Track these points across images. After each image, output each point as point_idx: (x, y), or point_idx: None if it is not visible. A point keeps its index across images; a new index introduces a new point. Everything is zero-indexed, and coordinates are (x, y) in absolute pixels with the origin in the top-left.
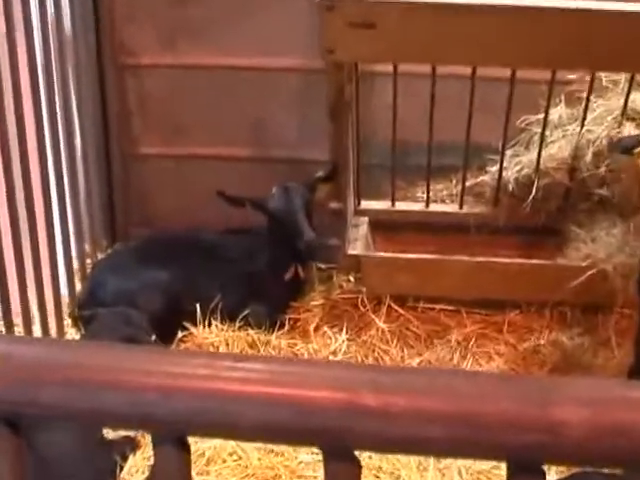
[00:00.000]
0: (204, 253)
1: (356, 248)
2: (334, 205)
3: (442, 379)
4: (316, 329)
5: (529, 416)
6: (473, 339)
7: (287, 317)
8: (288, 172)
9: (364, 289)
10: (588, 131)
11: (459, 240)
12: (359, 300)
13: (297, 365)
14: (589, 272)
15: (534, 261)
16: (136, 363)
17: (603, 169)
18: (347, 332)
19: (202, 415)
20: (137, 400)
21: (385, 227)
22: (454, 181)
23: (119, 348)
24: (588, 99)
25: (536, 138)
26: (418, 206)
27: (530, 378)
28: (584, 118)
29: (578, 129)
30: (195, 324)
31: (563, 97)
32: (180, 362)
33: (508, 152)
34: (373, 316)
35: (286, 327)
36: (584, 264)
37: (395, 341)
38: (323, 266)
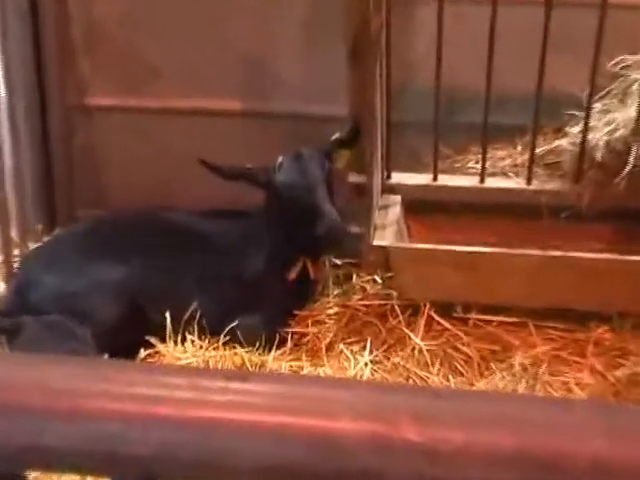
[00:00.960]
0: (177, 243)
1: (384, 238)
2: (354, 179)
3: (513, 407)
4: (329, 347)
5: (635, 459)
6: (545, 364)
7: (290, 331)
8: (294, 133)
9: (395, 293)
10: None
11: (526, 228)
12: (388, 308)
13: (313, 385)
14: None
15: (630, 257)
16: (93, 382)
17: None
18: (371, 352)
19: (184, 453)
20: (95, 432)
21: (424, 209)
22: (520, 147)
23: (67, 362)
24: None
25: (636, 87)
26: (470, 181)
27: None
28: None
29: None
30: (163, 340)
31: None
32: (155, 381)
33: (596, 106)
34: (407, 330)
35: (288, 344)
36: None
37: (437, 365)
38: (339, 262)
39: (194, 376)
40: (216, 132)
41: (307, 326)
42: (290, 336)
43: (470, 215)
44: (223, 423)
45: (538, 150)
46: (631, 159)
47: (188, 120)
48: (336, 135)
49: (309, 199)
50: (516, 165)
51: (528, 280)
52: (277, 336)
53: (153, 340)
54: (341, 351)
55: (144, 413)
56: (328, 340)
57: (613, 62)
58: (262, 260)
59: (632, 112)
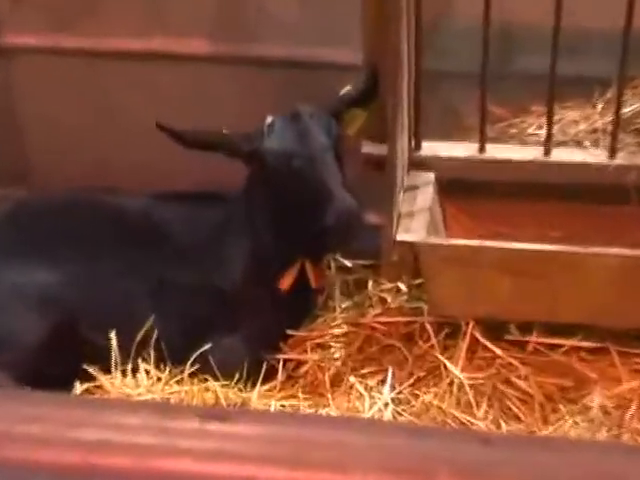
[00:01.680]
0: (124, 238)
1: (412, 230)
2: (371, 149)
3: (589, 459)
4: (336, 381)
5: None
6: (634, 404)
7: (282, 358)
8: (289, 86)
9: (426, 307)
10: None
11: (607, 218)
12: (416, 328)
13: (317, 427)
14: None
15: None
16: (16, 421)
17: None
18: (394, 387)
19: None
20: None
21: (467, 192)
22: (599, 106)
23: None
24: None
25: None
26: (530, 153)
27: None
28: None
29: None
30: (107, 369)
31: None
32: (104, 421)
33: None
34: (442, 358)
35: (280, 376)
36: None
37: (484, 406)
38: (349, 264)
39: (157, 414)
40: (181, 84)
41: (305, 352)
42: (282, 365)
43: (529, 200)
44: (198, 478)
45: (625, 110)
46: None
47: (142, 67)
48: (347, 89)
49: (310, 176)
50: (594, 131)
51: (610, 290)
52: (264, 365)
53: (93, 370)
54: (352, 386)
55: (88, 465)
56: (334, 371)
57: None
58: (243, 262)
59: None
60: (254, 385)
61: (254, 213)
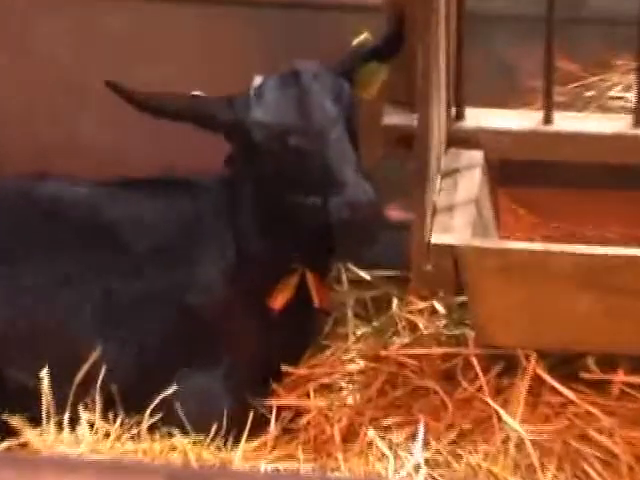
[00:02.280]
0: (61, 239)
1: (452, 230)
2: (395, 120)
3: None
4: (349, 435)
5: None
6: None
7: (275, 404)
8: (285, 32)
9: (472, 335)
10: None
11: None
12: (459, 364)
13: None
14: None
15: None
16: None
17: None
18: (428, 443)
19: None
20: None
21: (527, 176)
22: None
23: None
24: None
25: None
26: (614, 123)
27: None
28: None
29: None
30: (36, 420)
31: None
32: None
33: None
34: (495, 405)
35: (272, 429)
36: None
37: (552, 470)
38: (367, 275)
39: (108, 475)
40: (144, 28)
41: (308, 395)
42: (276, 414)
43: (613, 188)
44: None
45: None
46: None
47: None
48: (362, 38)
49: (312, 158)
50: None
51: None
52: (251, 414)
53: (16, 421)
54: (371, 442)
55: None
56: (346, 422)
57: None
58: (221, 271)
59: None
60: (237, 441)
61: (236, 206)
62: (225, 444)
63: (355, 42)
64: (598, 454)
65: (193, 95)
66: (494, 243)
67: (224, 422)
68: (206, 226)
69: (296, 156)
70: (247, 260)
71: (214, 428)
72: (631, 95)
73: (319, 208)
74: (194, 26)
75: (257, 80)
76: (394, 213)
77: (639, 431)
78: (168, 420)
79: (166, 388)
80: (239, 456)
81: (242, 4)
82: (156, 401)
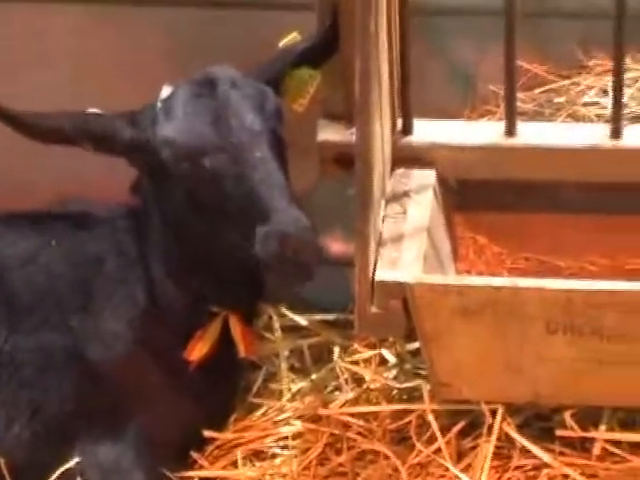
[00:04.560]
0: None
1: (401, 264)
2: (330, 135)
3: None
4: None
5: None
6: None
7: (196, 476)
8: (203, 35)
9: (428, 388)
10: None
11: None
12: (412, 423)
13: None
14: None
15: None
16: None
17: None
18: None
19: None
20: None
21: (489, 198)
22: None
23: None
24: None
25: None
26: (589, 133)
27: None
28: None
29: None
30: None
31: None
32: None
33: None
34: (456, 470)
35: None
36: None
37: None
38: (303, 320)
39: None
40: (50, 33)
41: (234, 465)
42: None
43: (591, 210)
44: None
45: None
46: None
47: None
48: (288, 39)
49: (233, 181)
50: None
51: None
52: None
53: None
54: None
55: None
56: None
57: None
58: (127, 319)
59: None
60: None
61: (144, 241)
62: None
63: (282, 43)
64: None
65: (89, 113)
66: (451, 279)
67: None
68: (109, 267)
69: (213, 180)
70: (157, 305)
71: None
72: (607, 100)
73: (242, 241)
74: (93, 29)
75: (166, 90)
76: (334, 246)
77: None
78: None
79: (67, 461)
80: None
81: (155, 4)
82: (55, 475)
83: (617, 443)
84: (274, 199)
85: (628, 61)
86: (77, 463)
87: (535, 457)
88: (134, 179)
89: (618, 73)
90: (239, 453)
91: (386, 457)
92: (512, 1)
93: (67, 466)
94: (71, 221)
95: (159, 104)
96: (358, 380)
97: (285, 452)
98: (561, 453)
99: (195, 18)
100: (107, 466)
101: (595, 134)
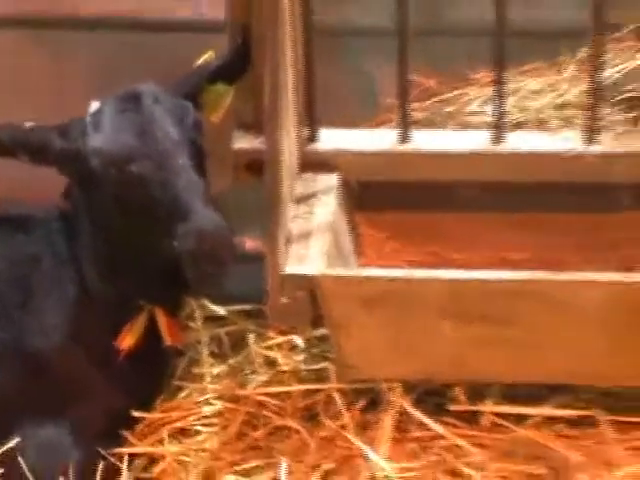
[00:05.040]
0: None
1: (308, 259)
2: (243, 144)
3: None
4: (208, 478)
5: None
6: None
7: (127, 452)
8: (125, 55)
9: (334, 369)
10: None
11: (587, 229)
12: (320, 400)
13: None
14: None
15: None
16: None
17: None
18: None
19: None
20: None
21: (387, 199)
22: (570, 68)
23: None
24: None
25: None
26: (475, 139)
27: None
28: None
29: None
30: None
31: None
32: None
33: None
34: (359, 442)
35: (125, 478)
36: None
37: None
38: (222, 310)
39: None
40: None
41: (161, 442)
42: (127, 463)
43: (477, 208)
44: None
45: (606, 73)
46: None
47: None
48: (204, 57)
49: (156, 185)
50: (564, 105)
51: (600, 332)
52: (100, 464)
53: None
54: None
55: None
56: (203, 467)
57: None
58: (63, 312)
59: None
60: None
61: (77, 240)
62: None
63: (199, 62)
64: None
65: (25, 126)
66: (352, 272)
67: (72, 474)
68: (45, 265)
69: (138, 184)
70: (90, 301)
71: None
72: (490, 109)
73: (164, 240)
74: (22, 51)
75: (94, 105)
76: (248, 243)
77: (511, 463)
78: (11, 475)
79: (8, 441)
80: None
81: (74, 26)
82: None
83: (503, 415)
84: (193, 201)
85: (509, 74)
86: (17, 445)
87: (430, 429)
88: (65, 186)
89: (499, 84)
90: (165, 431)
91: (297, 432)
92: (404, 22)
93: (8, 446)
94: (12, 223)
95: (88, 118)
96: (271, 364)
97: (207, 429)
98: (453, 425)
99: (119, 40)
100: (46, 446)
101: (480, 139)
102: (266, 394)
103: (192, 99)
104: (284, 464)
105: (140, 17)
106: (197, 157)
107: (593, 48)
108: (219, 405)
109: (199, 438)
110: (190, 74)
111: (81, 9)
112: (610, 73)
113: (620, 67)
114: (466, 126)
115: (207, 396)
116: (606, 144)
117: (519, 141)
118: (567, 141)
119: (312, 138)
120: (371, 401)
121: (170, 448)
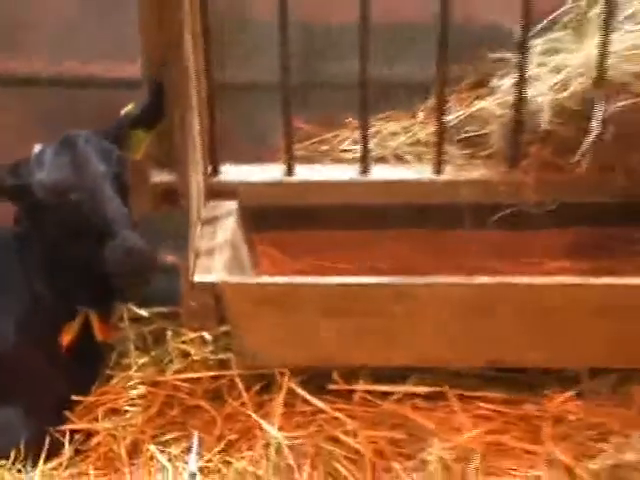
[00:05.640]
0: None
1: (213, 270)
2: (160, 178)
3: None
4: (134, 451)
5: None
6: (478, 455)
7: (68, 429)
8: (56, 107)
9: (235, 359)
10: None
11: (439, 242)
12: (225, 384)
13: None
14: None
15: (601, 280)
16: None
17: None
18: (202, 454)
19: None
20: None
21: (278, 220)
22: (421, 114)
23: None
24: None
25: (598, 11)
26: (346, 171)
27: None
28: None
29: None
30: None
31: None
32: None
33: (537, 44)
34: (257, 417)
35: (67, 451)
36: None
37: (307, 468)
38: (144, 312)
39: None
40: None
41: (96, 420)
42: (69, 438)
43: (351, 226)
44: None
45: (450, 117)
46: (595, 124)
47: None
48: (127, 108)
49: (89, 211)
50: (417, 143)
51: (447, 325)
52: (46, 439)
53: None
54: (152, 456)
55: None
56: (131, 439)
57: None
58: (14, 315)
59: (592, 50)
60: (35, 463)
61: (28, 256)
62: (25, 466)
63: (123, 112)
64: (345, 453)
65: None
66: (246, 279)
67: (23, 448)
68: (4, 277)
69: (75, 210)
70: (39, 306)
71: (14, 454)
72: (358, 147)
73: (97, 255)
74: None
75: (37, 148)
76: (167, 258)
77: (378, 430)
78: None
79: None
80: (38, 475)
81: (21, 83)
82: None
83: (372, 393)
84: (119, 224)
85: (372, 119)
86: None
87: (313, 405)
88: (14, 214)
89: (364, 128)
90: (100, 411)
91: (206, 410)
92: (286, 77)
93: None
94: None
95: (32, 158)
96: (185, 355)
97: (133, 409)
98: (332, 402)
99: (55, 96)
100: (2, 426)
101: (350, 171)
102: (181, 379)
103: (118, 142)
104: (196, 436)
105: (76, 76)
106: (122, 189)
107: (438, 98)
108: (143, 389)
109: (127, 416)
110: (116, 122)
111: (17, 68)
112: (452, 118)
113: (459, 113)
114: (339, 161)
115: (133, 382)
116: (450, 174)
117: (382, 172)
118: (420, 172)
119: (215, 172)
120: (266, 384)
121: (104, 424)
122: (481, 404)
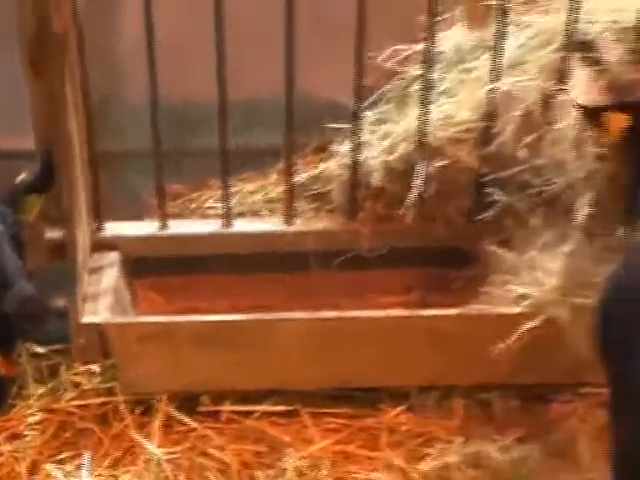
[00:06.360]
0: None
1: (98, 312)
2: (52, 235)
3: None
4: (33, 469)
5: None
6: (327, 464)
7: None
8: None
9: (119, 387)
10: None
11: (291, 283)
12: (110, 409)
13: None
14: (527, 325)
15: (429, 312)
16: None
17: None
18: (92, 470)
19: None
20: None
21: (153, 269)
22: (273, 175)
23: None
24: (505, 12)
25: (417, 87)
26: (211, 226)
27: None
28: (499, 47)
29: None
30: None
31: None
32: None
33: (368, 115)
34: (138, 437)
35: None
36: (518, 310)
37: (183, 479)
38: (41, 350)
39: None
40: None
41: None
42: None
43: (217, 272)
44: None
45: (297, 178)
46: (418, 182)
47: None
48: (22, 177)
49: None
50: (271, 200)
51: (298, 353)
52: None
53: None
54: (49, 474)
55: None
56: (30, 460)
57: (385, 54)
58: None
59: (413, 120)
60: None
61: None
62: None
63: (18, 180)
64: (215, 465)
65: None
66: (129, 319)
67: None
68: None
69: None
70: None
71: None
72: (221, 204)
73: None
74: None
75: None
76: (59, 302)
77: (243, 444)
78: None
79: None
80: None
81: None
82: None
83: (236, 412)
84: (12, 276)
85: (233, 180)
86: None
87: (187, 424)
88: None
89: (226, 188)
90: (2, 436)
91: (95, 432)
92: (157, 144)
93: None
94: None
95: None
96: (77, 385)
97: (32, 433)
98: (202, 421)
99: None
100: None
101: (215, 225)
102: (73, 406)
103: (13, 206)
104: (87, 455)
105: None
106: (18, 245)
107: (287, 162)
108: (40, 416)
109: (27, 439)
110: (11, 189)
111: None
112: (300, 178)
113: (306, 174)
114: (205, 217)
115: (32, 410)
116: (299, 225)
117: (242, 225)
118: (274, 224)
119: (99, 228)
120: (146, 408)
121: (6, 447)
122: (329, 419)
